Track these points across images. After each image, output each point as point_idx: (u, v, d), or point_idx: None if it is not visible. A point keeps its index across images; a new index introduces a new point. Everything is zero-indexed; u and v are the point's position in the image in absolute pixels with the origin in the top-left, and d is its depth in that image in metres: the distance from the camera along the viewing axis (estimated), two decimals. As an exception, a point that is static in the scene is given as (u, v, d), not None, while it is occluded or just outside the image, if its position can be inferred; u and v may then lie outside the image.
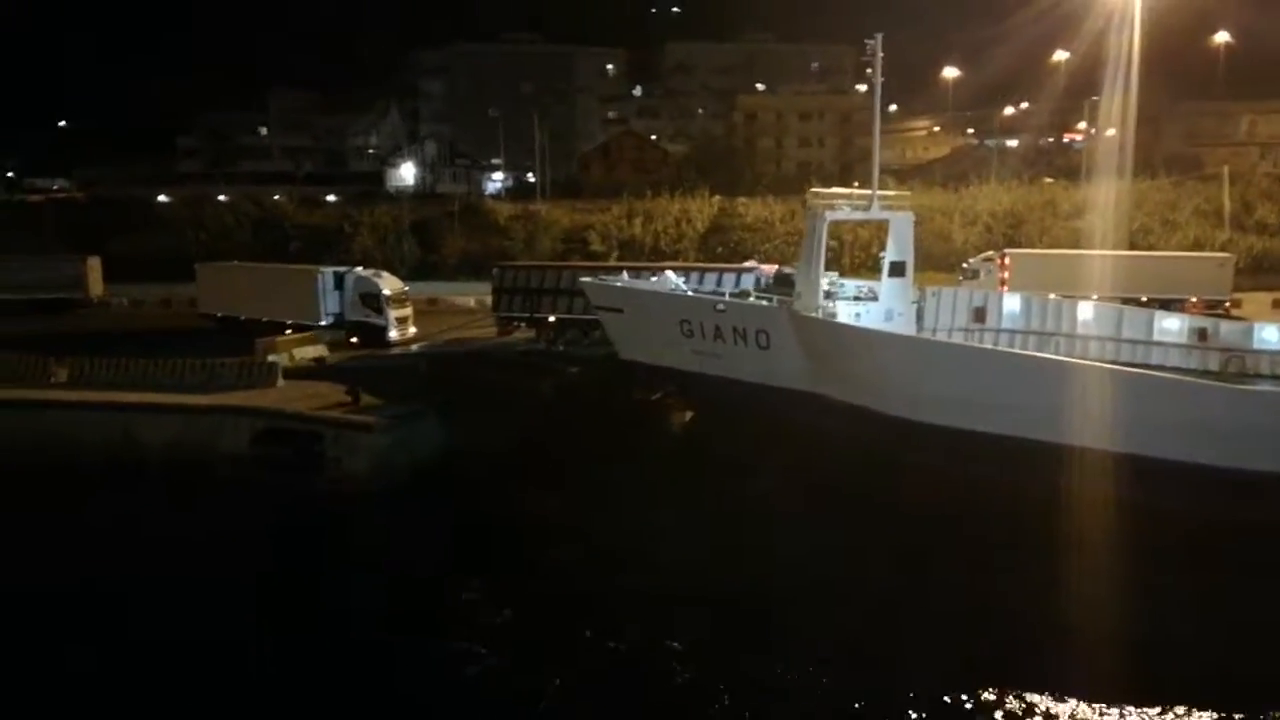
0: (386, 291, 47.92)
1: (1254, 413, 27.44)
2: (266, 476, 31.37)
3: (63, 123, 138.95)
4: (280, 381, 37.67)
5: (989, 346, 34.25)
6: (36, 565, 26.47)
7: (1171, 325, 36.92)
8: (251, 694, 20.30)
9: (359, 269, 51.12)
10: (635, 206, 74.30)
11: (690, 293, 37.54)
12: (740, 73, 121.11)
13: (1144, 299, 50.02)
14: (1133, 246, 62.16)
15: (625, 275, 39.92)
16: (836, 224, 35.62)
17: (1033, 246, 62.21)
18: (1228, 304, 50.70)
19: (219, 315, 52.40)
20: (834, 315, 33.83)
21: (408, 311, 49.00)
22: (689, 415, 37.29)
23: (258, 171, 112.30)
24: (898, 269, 38.02)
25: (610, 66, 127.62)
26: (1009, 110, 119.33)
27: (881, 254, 39.40)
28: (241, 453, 32.86)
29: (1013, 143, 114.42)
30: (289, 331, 45.70)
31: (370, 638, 22.40)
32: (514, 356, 43.62)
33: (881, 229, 39.43)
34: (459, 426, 33.55)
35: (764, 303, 35.16)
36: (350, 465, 31.58)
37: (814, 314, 32.89)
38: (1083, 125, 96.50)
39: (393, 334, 47.14)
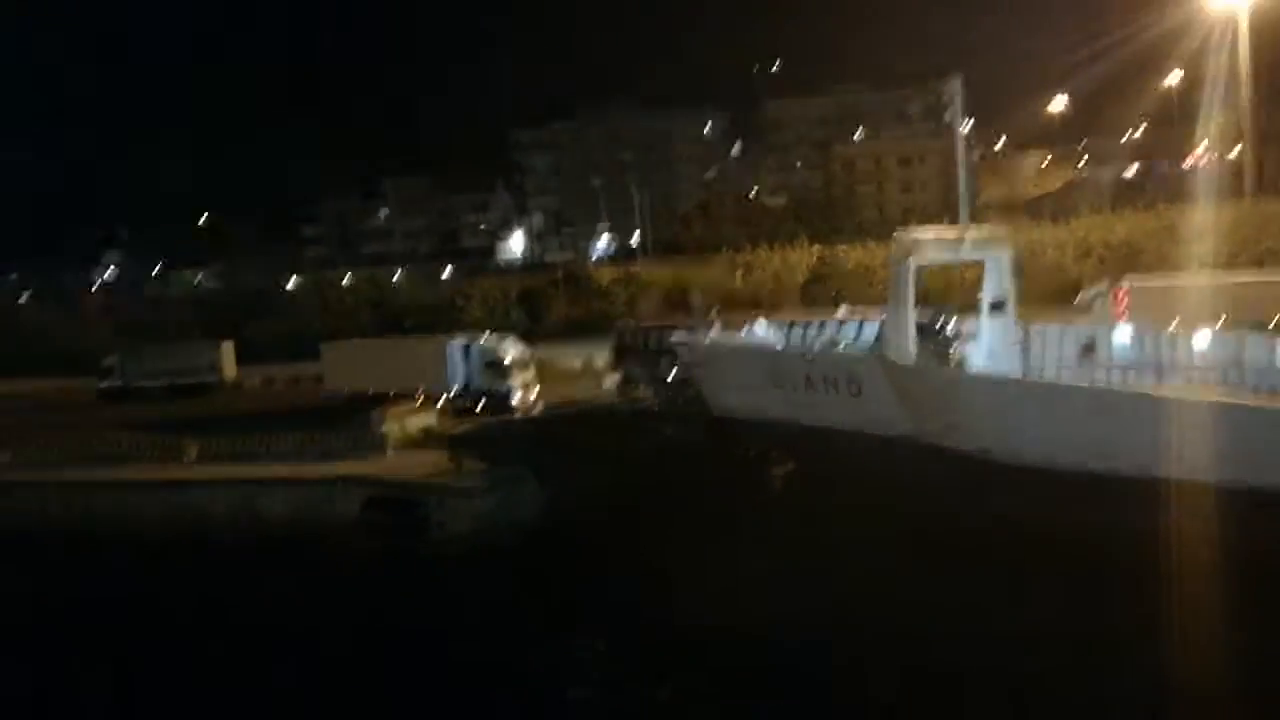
0: (511, 357, 49.26)
1: None
2: (374, 542, 32.64)
3: (204, 216, 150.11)
4: (390, 451, 39.22)
5: (1080, 385, 32.95)
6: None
7: (1298, 350, 34.90)
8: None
9: (484, 337, 52.65)
10: (735, 260, 74.81)
11: (782, 343, 37.54)
12: (837, 123, 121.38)
13: (1271, 325, 47.32)
14: (1261, 269, 58.96)
15: (717, 328, 40.18)
16: (923, 268, 35.10)
17: (1152, 275, 59.66)
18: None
19: (346, 390, 53.69)
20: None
21: (531, 375, 50.21)
22: (786, 467, 37.01)
23: (379, 253, 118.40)
24: (998, 307, 37.23)
25: (709, 125, 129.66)
26: (1125, 138, 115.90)
27: (980, 295, 38.69)
28: (353, 518, 34.32)
29: (1130, 172, 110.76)
30: (419, 401, 47.43)
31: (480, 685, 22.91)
32: (625, 418, 44.10)
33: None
34: (559, 488, 34.23)
35: (854, 352, 34.86)
36: (453, 528, 32.59)
37: (904, 360, 32.41)
38: (1203, 147, 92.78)
39: (516, 399, 48.30)
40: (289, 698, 23.37)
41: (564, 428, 42.22)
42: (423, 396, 47.95)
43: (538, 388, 49.94)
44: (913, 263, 32.97)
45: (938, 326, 35.10)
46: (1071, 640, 22.91)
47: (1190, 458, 26.13)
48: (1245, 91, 66.49)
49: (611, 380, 55.78)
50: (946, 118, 36.39)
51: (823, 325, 42.81)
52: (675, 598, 26.49)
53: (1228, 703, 19.46)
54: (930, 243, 34.60)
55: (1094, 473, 27.15)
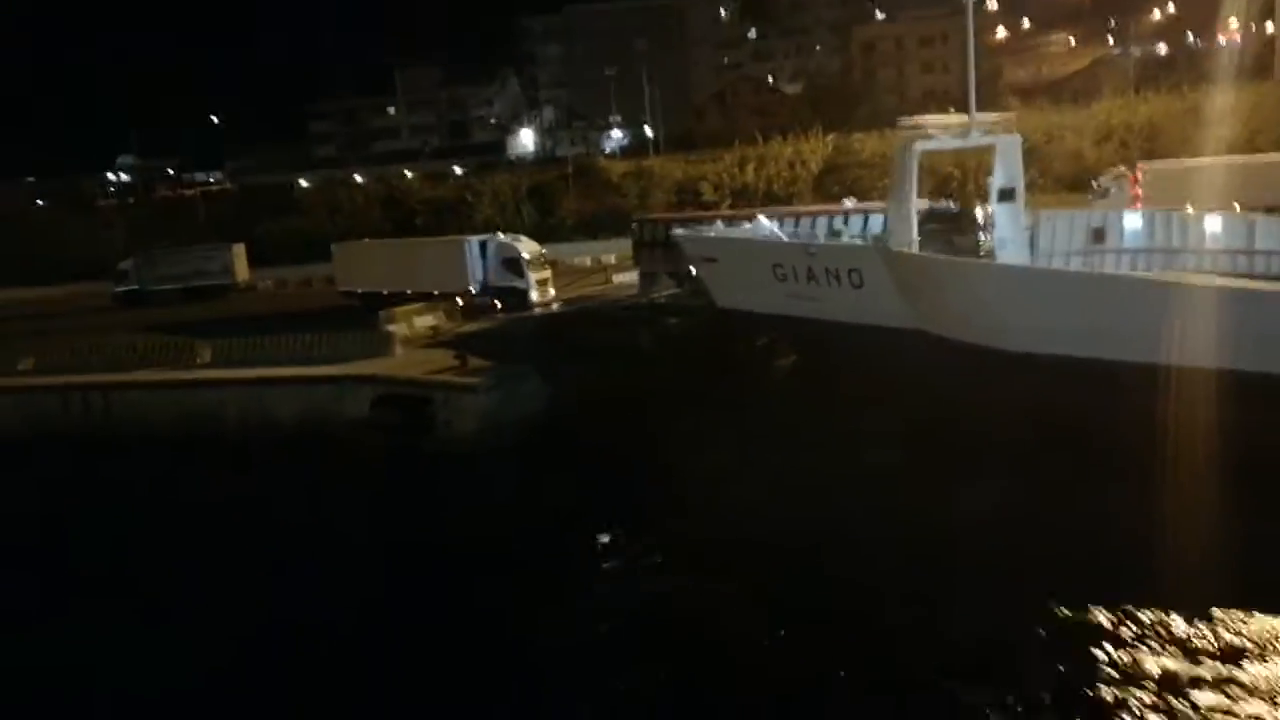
0: (526, 255, 49.39)
1: None
2: (382, 439, 33.25)
3: (214, 118, 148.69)
4: (398, 350, 39.57)
5: (1079, 269, 32.58)
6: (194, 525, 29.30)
7: (1311, 232, 34.21)
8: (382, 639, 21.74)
9: (500, 235, 52.61)
10: (747, 153, 73.49)
11: (785, 238, 37.12)
12: (856, 3, 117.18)
13: (1295, 205, 46.30)
14: (1283, 150, 57.38)
15: (719, 224, 39.78)
16: (929, 154, 34.34)
17: (1174, 159, 58.19)
18: (1394, 204, 46.07)
19: (360, 292, 53.89)
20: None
21: (547, 274, 50.45)
22: (788, 359, 37.10)
23: (389, 150, 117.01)
24: (1007, 194, 36.45)
25: (724, 12, 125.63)
26: (1156, 14, 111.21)
27: (989, 179, 37.93)
28: (362, 417, 34.90)
29: (1161, 49, 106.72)
30: (438, 300, 47.71)
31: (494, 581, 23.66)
32: (633, 313, 44.15)
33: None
34: (563, 383, 34.55)
35: (856, 242, 34.44)
36: (459, 425, 33.08)
37: (906, 249, 32.03)
38: (1234, 24, 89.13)
39: (534, 295, 48.67)
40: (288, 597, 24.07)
41: (568, 324, 42.32)
42: (440, 296, 48.18)
43: (552, 285, 50.22)
44: (917, 149, 32.26)
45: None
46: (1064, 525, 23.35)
47: (1193, 344, 25.90)
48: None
49: (623, 276, 55.75)
50: (960, -4, 35.03)
51: (830, 219, 42.40)
52: (673, 496, 26.95)
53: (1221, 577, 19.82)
54: (934, 130, 33.75)
55: (1096, 360, 26.97)
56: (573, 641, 20.90)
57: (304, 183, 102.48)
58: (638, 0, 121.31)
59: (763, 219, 38.55)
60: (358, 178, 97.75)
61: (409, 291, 49.37)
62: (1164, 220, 36.41)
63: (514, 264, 49.12)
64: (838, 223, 39.10)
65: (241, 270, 70.69)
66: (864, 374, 31.84)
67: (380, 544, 27.40)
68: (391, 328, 41.67)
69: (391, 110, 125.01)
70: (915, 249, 32.07)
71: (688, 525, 25.39)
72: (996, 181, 36.41)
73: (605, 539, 26.28)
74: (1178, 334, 26.19)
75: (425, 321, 44.14)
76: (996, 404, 27.70)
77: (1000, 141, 36.02)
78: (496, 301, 48.76)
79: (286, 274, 71.89)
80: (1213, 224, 35.57)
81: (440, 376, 34.60)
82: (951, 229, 34.52)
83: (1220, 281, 28.83)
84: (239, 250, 70.89)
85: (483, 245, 50.42)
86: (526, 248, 50.28)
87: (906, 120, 34.13)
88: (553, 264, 58.66)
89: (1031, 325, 27.94)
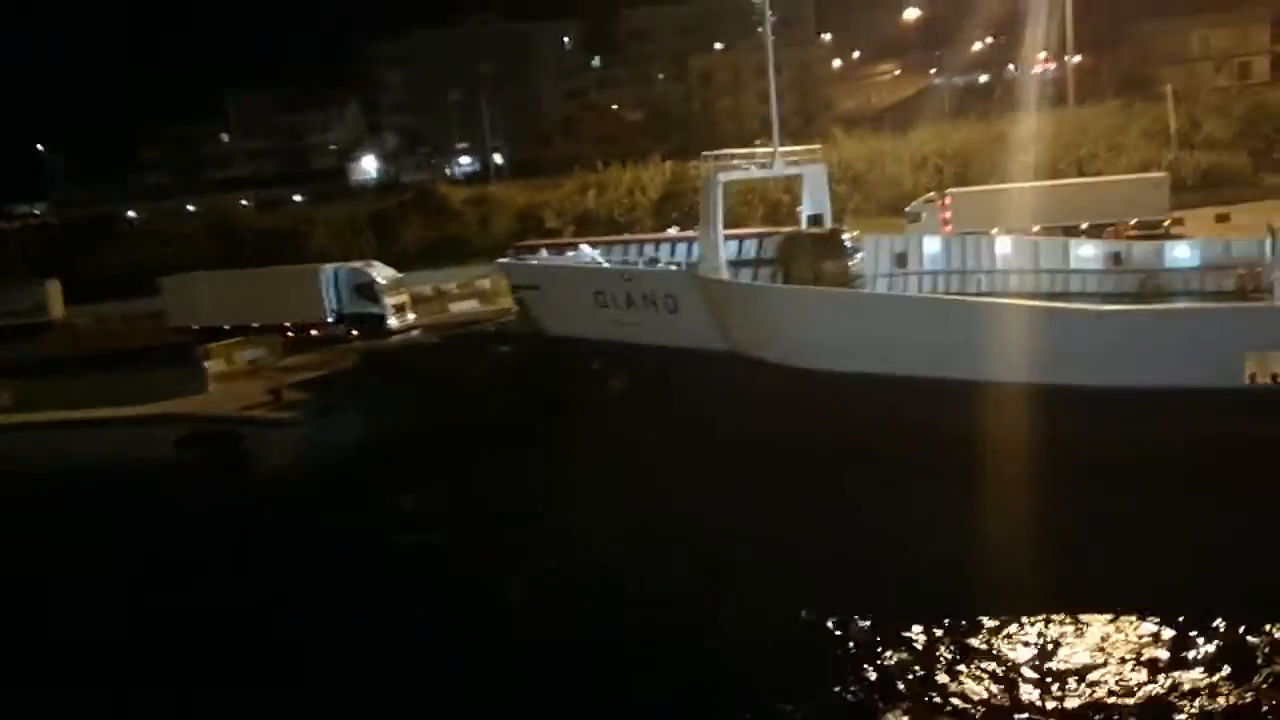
0: (381, 280, 48.45)
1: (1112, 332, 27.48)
2: (187, 478, 31.96)
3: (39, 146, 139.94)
4: (210, 386, 38.20)
5: (866, 291, 34.50)
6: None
7: (1087, 252, 37.18)
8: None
9: (353, 263, 51.40)
10: (588, 180, 74.28)
11: (607, 265, 37.78)
12: (698, 33, 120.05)
13: (1084, 225, 50.10)
14: (1080, 173, 61.97)
15: (544, 253, 40.13)
16: (733, 184, 35.76)
17: (984, 184, 62.01)
18: (1167, 223, 50.47)
19: (195, 328, 50.85)
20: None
21: (404, 298, 49.69)
22: (614, 385, 37.61)
23: (224, 178, 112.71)
24: (815, 221, 38.31)
25: (567, 39, 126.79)
26: (977, 46, 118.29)
27: (799, 209, 39.63)
28: (167, 458, 33.48)
29: (983, 79, 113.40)
30: (289, 334, 46.69)
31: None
32: (468, 341, 43.89)
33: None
34: (380, 415, 34.05)
35: (670, 269, 35.38)
36: (271, 461, 32.16)
37: (717, 276, 33.10)
38: (1042, 55, 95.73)
39: (391, 321, 47.74)
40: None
41: (398, 353, 41.81)
42: (292, 327, 47.19)
43: (411, 312, 49.53)
44: (720, 180, 33.48)
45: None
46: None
47: (972, 357, 27.64)
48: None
49: (460, 305, 55.47)
50: (758, 30, 36.59)
51: (656, 246, 43.31)
52: (465, 533, 26.66)
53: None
54: (737, 162, 35.21)
55: (890, 376, 28.38)
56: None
57: (133, 214, 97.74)
58: (481, 26, 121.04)
59: (585, 247, 39.14)
60: (190, 207, 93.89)
61: (255, 325, 47.81)
62: (959, 243, 39.00)
63: (367, 289, 48.20)
64: (654, 250, 40.00)
65: (57, 307, 66.76)
66: (679, 395, 32.71)
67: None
68: (207, 364, 40.18)
69: (225, 137, 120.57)
70: (724, 274, 33.17)
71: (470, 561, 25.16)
72: (805, 209, 38.26)
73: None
74: (959, 349, 27.95)
75: (245, 356, 42.75)
76: (793, 418, 28.80)
77: (807, 171, 37.85)
78: (353, 330, 47.70)
79: (107, 310, 68.14)
80: (1003, 246, 38.32)
81: (250, 413, 33.61)
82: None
83: (989, 300, 31.05)
84: (53, 286, 66.97)
85: (335, 274, 49.36)
86: (380, 273, 49.50)
87: (709, 153, 35.38)
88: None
89: (825, 345, 29.30)
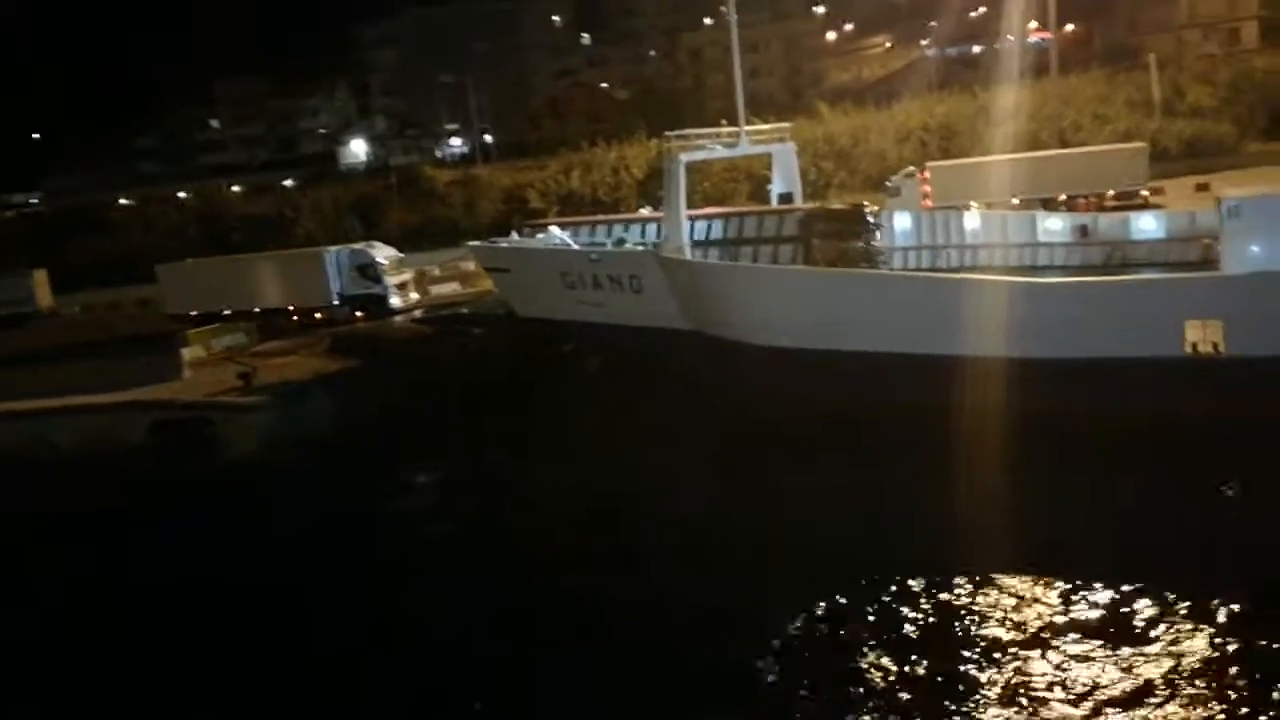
0: (382, 260, 48.70)
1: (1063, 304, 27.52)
2: (159, 462, 32.28)
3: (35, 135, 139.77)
4: (186, 373, 38.52)
5: (813, 270, 33.91)
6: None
7: (1054, 225, 37.04)
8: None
9: (355, 244, 51.65)
10: (572, 160, 74.19)
11: (575, 246, 37.88)
12: (689, 10, 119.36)
13: (1061, 197, 50.03)
14: (1063, 144, 61.68)
15: (514, 235, 40.26)
16: (695, 164, 35.76)
17: (968, 156, 61.77)
18: (1145, 193, 50.34)
19: (193, 314, 50.57)
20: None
21: (406, 277, 49.98)
22: (582, 365, 37.81)
23: (216, 165, 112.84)
24: (786, 199, 38.32)
25: (557, 18, 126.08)
26: (972, 15, 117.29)
27: (769, 187, 39.65)
28: (141, 443, 33.85)
29: (976, 50, 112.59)
30: (294, 318, 47.07)
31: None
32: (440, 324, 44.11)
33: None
34: (350, 398, 34.35)
35: (636, 249, 35.48)
36: (241, 445, 32.51)
37: (679, 255, 33.21)
38: (1033, 24, 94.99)
39: (394, 300, 47.91)
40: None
41: (369, 337, 42.07)
42: (296, 311, 47.55)
43: (414, 292, 49.94)
44: (682, 160, 33.50)
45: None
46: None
47: (935, 331, 27.74)
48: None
49: (440, 288, 55.65)
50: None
51: (626, 226, 43.30)
52: (430, 510, 26.90)
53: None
54: (701, 141, 35.17)
55: (844, 352, 28.51)
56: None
57: (125, 201, 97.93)
58: (471, 5, 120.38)
59: (554, 229, 39.25)
60: (181, 194, 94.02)
61: (256, 310, 48.06)
62: (929, 219, 38.83)
63: (369, 270, 48.44)
64: (623, 231, 40.09)
65: (44, 296, 67.05)
66: (644, 373, 32.92)
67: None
68: (184, 350, 40.49)
69: (215, 123, 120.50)
70: (687, 254, 33.26)
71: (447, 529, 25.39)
72: (776, 188, 38.21)
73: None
74: (911, 324, 28.08)
75: (223, 342, 43.07)
76: (753, 394, 28.98)
77: (775, 150, 37.79)
78: (358, 311, 47.92)
79: (94, 298, 68.53)
80: (972, 221, 38.17)
81: (220, 398, 33.95)
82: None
83: (934, 275, 31.06)
84: (40, 276, 67.25)
85: (335, 255, 49.50)
86: (382, 252, 49.76)
87: (670, 133, 35.35)
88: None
89: (785, 322, 29.42)
